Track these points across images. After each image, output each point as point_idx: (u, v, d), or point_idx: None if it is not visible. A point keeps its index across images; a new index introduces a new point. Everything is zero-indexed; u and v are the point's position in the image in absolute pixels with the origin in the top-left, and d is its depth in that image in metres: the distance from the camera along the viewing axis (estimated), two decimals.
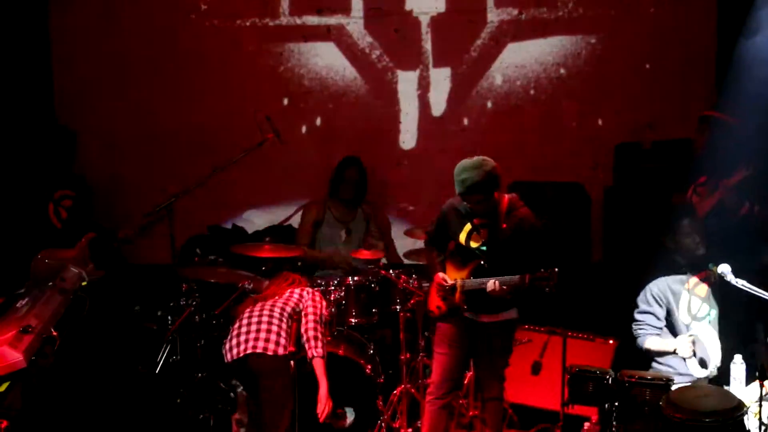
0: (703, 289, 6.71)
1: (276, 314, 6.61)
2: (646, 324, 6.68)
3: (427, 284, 7.00)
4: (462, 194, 6.28)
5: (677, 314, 6.67)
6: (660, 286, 6.69)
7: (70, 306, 5.61)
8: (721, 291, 6.65)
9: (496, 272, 6.30)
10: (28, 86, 8.89)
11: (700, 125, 7.59)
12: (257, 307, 6.73)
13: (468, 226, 6.43)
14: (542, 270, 6.14)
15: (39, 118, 8.89)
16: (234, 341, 6.59)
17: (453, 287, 6.45)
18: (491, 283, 6.21)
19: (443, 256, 6.67)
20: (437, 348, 6.62)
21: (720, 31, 8.75)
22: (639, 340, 6.72)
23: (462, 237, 6.44)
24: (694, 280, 6.69)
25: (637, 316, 6.74)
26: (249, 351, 6.46)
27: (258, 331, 6.53)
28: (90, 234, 7.38)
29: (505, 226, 6.35)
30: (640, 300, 6.76)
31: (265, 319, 6.58)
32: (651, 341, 6.64)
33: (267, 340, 6.47)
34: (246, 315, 6.70)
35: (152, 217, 7.48)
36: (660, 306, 6.67)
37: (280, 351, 6.42)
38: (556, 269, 6.11)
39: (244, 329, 6.60)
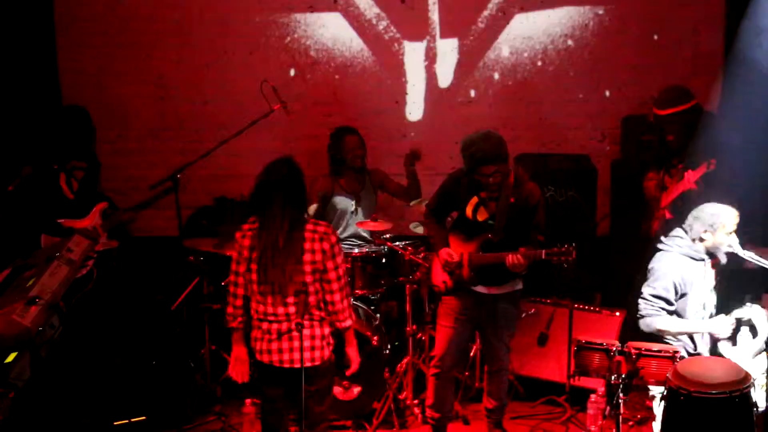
0: (712, 274, 6.66)
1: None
2: (659, 307, 6.56)
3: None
4: (472, 167, 6.25)
5: (689, 303, 6.61)
6: (683, 275, 6.51)
7: (78, 277, 5.62)
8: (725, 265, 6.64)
9: (504, 246, 6.30)
10: (33, 64, 8.87)
11: (669, 126, 7.45)
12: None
13: (475, 200, 6.41)
14: (559, 245, 6.15)
15: (45, 95, 8.89)
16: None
17: (460, 262, 6.44)
18: (512, 257, 6.21)
19: (445, 230, 6.67)
20: (442, 321, 6.63)
21: (729, 1, 8.71)
22: (648, 320, 6.50)
23: (468, 210, 6.43)
24: (708, 266, 6.63)
25: (650, 297, 6.57)
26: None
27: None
28: (102, 204, 7.40)
29: (513, 200, 6.34)
30: (658, 283, 6.51)
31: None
32: (667, 322, 6.49)
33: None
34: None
35: (158, 190, 7.47)
36: (676, 293, 6.57)
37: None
38: (573, 244, 6.13)
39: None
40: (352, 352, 5.82)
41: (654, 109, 7.47)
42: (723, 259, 6.53)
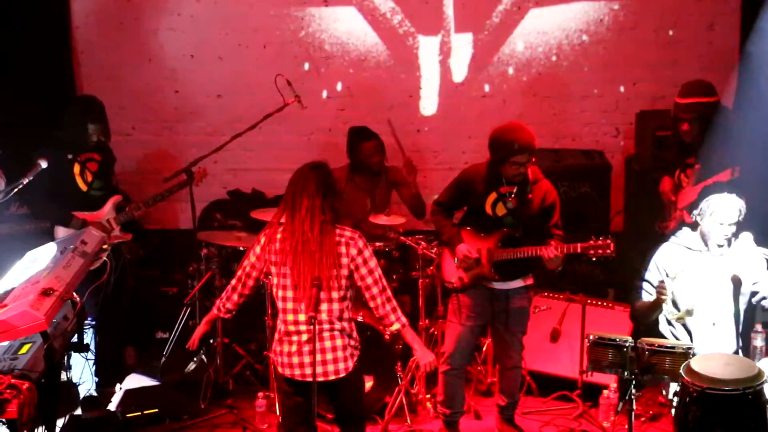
0: (724, 277, 6.59)
1: None
2: (644, 291, 6.49)
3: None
4: (506, 156, 6.24)
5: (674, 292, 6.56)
6: (673, 260, 6.49)
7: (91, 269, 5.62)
8: None
9: (524, 241, 6.30)
10: (49, 55, 8.91)
11: (685, 114, 7.33)
12: None
13: (494, 195, 6.41)
14: (594, 237, 6.14)
15: (60, 87, 8.92)
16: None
17: (479, 258, 6.43)
18: (551, 251, 6.19)
19: (456, 226, 6.66)
20: (453, 318, 6.63)
21: None
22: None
23: (487, 206, 6.42)
24: (714, 262, 6.55)
25: (637, 285, 6.54)
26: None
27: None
28: (116, 197, 7.42)
29: (530, 196, 6.35)
30: (646, 270, 6.62)
31: None
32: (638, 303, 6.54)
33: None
34: None
35: (172, 182, 7.49)
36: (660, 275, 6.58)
37: None
38: (611, 236, 6.12)
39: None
40: (417, 352, 5.62)
41: (676, 98, 7.39)
42: (714, 251, 6.44)
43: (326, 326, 5.40)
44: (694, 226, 6.48)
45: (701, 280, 6.41)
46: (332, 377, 5.41)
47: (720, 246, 6.33)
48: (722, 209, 6.23)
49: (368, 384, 7.06)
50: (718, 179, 6.83)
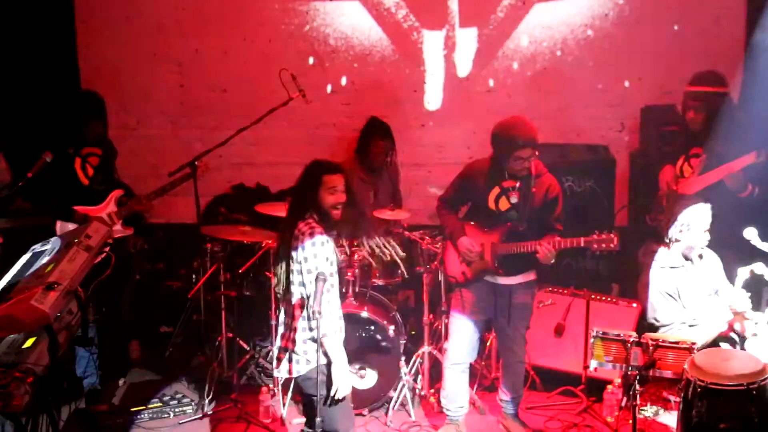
0: (705, 280, 6.67)
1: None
2: (679, 324, 6.61)
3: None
4: (509, 151, 6.24)
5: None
6: (675, 282, 6.57)
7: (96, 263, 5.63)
8: None
9: (527, 235, 6.29)
10: (53, 49, 8.91)
11: (692, 102, 7.30)
12: None
13: (497, 190, 6.40)
14: (598, 232, 6.13)
15: (64, 80, 8.91)
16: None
17: (482, 252, 6.43)
18: (545, 246, 6.19)
19: (461, 220, 6.65)
20: (456, 312, 6.63)
21: None
22: None
23: (490, 200, 6.41)
24: (695, 271, 6.62)
25: (663, 325, 6.66)
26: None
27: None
28: (118, 191, 7.42)
29: (534, 190, 6.33)
30: (657, 306, 6.65)
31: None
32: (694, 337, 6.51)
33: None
34: None
35: (176, 176, 7.48)
36: (675, 298, 6.62)
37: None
38: (614, 230, 6.12)
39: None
40: (333, 372, 5.30)
41: (686, 86, 7.36)
42: (696, 259, 6.51)
43: (282, 327, 5.50)
44: (675, 241, 6.57)
45: (696, 292, 6.48)
46: (285, 375, 5.48)
47: (700, 256, 6.44)
48: (704, 219, 6.35)
49: (372, 379, 7.06)
50: (743, 161, 6.80)
